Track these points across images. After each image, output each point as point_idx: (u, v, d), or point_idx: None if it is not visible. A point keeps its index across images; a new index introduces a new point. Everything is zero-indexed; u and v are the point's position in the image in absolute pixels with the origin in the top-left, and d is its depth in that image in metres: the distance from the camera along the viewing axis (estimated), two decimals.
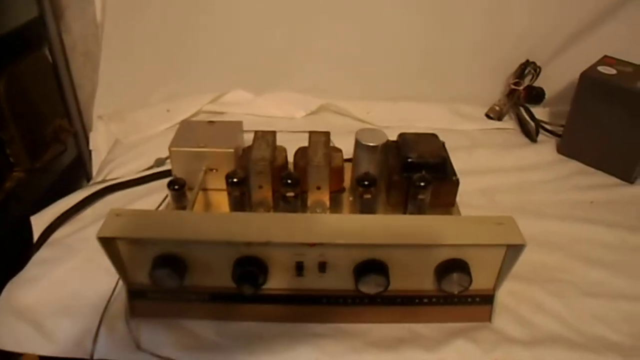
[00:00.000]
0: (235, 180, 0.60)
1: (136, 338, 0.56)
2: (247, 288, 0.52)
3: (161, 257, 0.52)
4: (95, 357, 0.55)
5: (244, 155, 0.69)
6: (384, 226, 0.53)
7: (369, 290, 0.53)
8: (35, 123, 1.06)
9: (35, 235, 0.69)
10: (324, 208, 0.67)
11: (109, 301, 0.59)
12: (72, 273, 0.62)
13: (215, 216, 0.53)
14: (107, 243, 0.50)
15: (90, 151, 1.01)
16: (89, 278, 0.62)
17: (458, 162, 0.69)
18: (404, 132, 0.72)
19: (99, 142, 0.95)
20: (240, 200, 0.63)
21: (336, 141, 0.85)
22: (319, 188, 0.66)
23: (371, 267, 0.52)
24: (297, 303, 0.57)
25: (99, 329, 0.56)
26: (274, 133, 0.70)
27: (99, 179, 0.81)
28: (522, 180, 0.82)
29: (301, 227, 0.52)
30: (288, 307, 0.57)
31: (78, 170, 1.16)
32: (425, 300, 0.57)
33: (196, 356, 0.54)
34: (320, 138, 0.69)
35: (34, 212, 0.95)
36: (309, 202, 0.67)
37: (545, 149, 0.89)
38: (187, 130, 0.72)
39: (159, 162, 0.79)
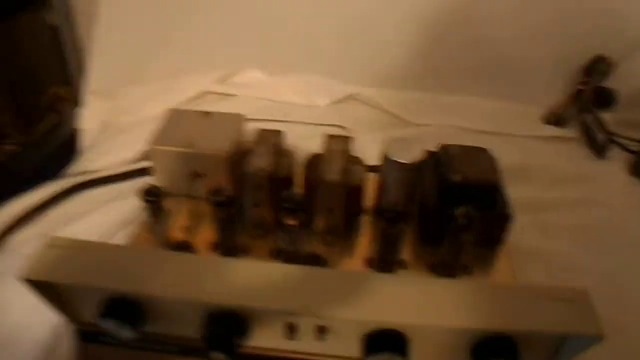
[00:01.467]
0: (219, 200, 0.47)
1: None
2: (218, 355, 0.39)
3: (111, 302, 0.39)
4: None
5: (239, 162, 0.55)
6: (406, 294, 0.38)
7: None
8: (30, 91, 0.96)
9: None
10: (335, 235, 0.54)
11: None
12: (17, 298, 0.51)
13: (180, 261, 0.40)
14: (37, 284, 0.38)
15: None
16: (35, 306, 0.50)
17: (507, 180, 0.54)
18: (446, 143, 0.57)
19: (90, 120, 0.82)
20: (229, 223, 0.49)
21: (363, 139, 0.71)
22: (331, 211, 0.53)
23: (386, 342, 0.39)
24: None
25: None
26: (280, 134, 0.56)
27: (78, 169, 0.69)
28: (585, 207, 0.66)
29: (294, 288, 0.38)
30: None
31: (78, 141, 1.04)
32: None
33: None
34: (339, 145, 0.55)
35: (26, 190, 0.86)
36: (318, 227, 0.54)
37: (615, 168, 0.73)
38: (175, 123, 0.59)
39: (147, 155, 0.66)
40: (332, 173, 0.51)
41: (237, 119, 0.60)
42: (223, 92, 0.84)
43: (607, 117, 0.79)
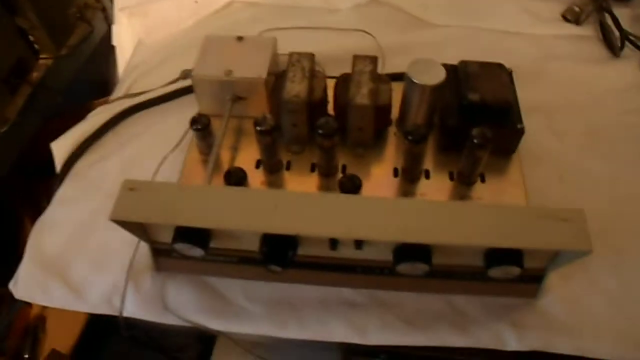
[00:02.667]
0: (263, 129, 0.53)
1: (163, 297, 0.54)
2: (275, 268, 0.47)
3: (183, 230, 0.47)
4: (124, 315, 0.55)
5: (276, 86, 0.60)
6: (429, 216, 0.45)
7: (408, 272, 0.48)
8: (57, 3, 0.97)
9: (57, 165, 0.65)
10: (365, 148, 0.60)
11: (134, 254, 0.56)
12: (96, 217, 0.59)
13: (240, 198, 0.46)
14: (122, 223, 0.46)
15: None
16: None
17: (524, 82, 0.59)
18: (465, 60, 0.60)
19: (122, 37, 0.85)
20: (272, 146, 0.56)
21: (384, 42, 0.74)
22: (361, 129, 0.58)
23: (412, 252, 0.47)
24: (330, 270, 0.53)
25: (126, 285, 0.55)
26: (311, 57, 0.60)
27: (121, 92, 0.74)
28: (597, 109, 0.70)
29: (334, 216, 0.45)
30: (320, 273, 0.53)
31: (109, 50, 1.07)
32: (469, 275, 0.52)
33: (223, 323, 0.53)
34: (366, 66, 0.59)
35: (64, 103, 0.92)
36: (349, 141, 0.60)
37: (629, 67, 0.75)
38: (211, 50, 0.62)
39: (186, 73, 0.71)
40: (361, 96, 0.56)
41: (269, 43, 0.63)
42: (248, 0, 0.85)
43: (624, 13, 0.79)
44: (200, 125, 0.56)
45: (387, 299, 0.54)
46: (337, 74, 0.71)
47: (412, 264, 0.46)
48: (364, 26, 0.80)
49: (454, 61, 0.73)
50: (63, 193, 0.63)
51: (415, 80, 0.55)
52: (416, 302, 0.54)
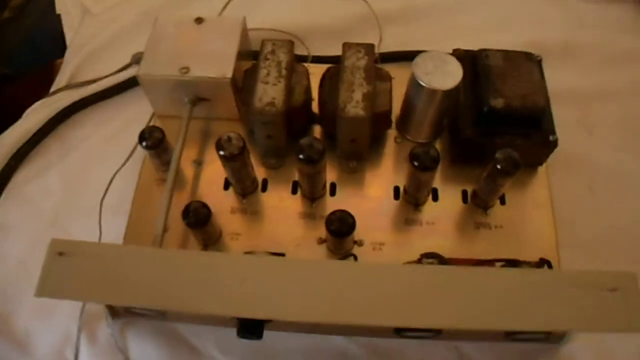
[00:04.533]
0: (229, 154, 0.41)
1: (123, 349, 0.45)
2: (250, 338, 0.38)
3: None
4: None
5: (245, 84, 0.48)
6: (438, 291, 0.34)
7: (413, 335, 0.39)
8: None
9: None
10: (359, 160, 0.49)
11: None
12: (38, 249, 0.49)
13: (198, 267, 0.35)
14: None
15: None
16: None
17: (548, 62, 0.48)
18: (485, 48, 0.48)
19: (67, 4, 0.70)
20: (242, 169, 0.45)
21: (380, 8, 0.63)
22: (354, 140, 0.47)
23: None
24: None
25: (79, 335, 0.46)
26: (290, 46, 0.48)
27: (63, 80, 0.61)
28: (635, 98, 0.58)
29: (316, 294, 0.34)
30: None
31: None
32: (484, 334, 0.43)
33: None
34: (360, 58, 0.47)
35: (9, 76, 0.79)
36: (340, 152, 0.49)
37: None
38: (164, 38, 0.49)
39: (137, 58, 0.58)
40: (354, 104, 0.44)
41: (236, 25, 0.50)
42: None
43: None
44: (151, 142, 0.45)
45: (386, 348, 0.46)
46: (322, 51, 0.59)
47: (418, 333, 0.37)
48: None
49: (468, 32, 0.62)
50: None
51: (423, 83, 0.43)
52: (419, 351, 0.45)
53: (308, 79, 0.48)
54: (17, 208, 0.52)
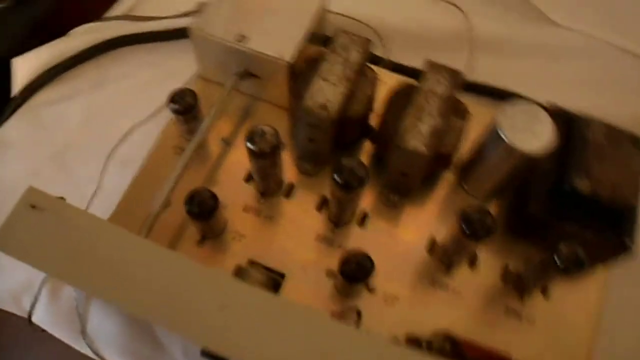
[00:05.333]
0: (258, 150, 0.35)
1: (83, 319, 0.41)
2: None
3: None
4: (34, 321, 0.42)
5: (303, 75, 0.41)
6: None
7: None
8: None
9: (15, 89, 0.50)
10: (402, 196, 0.42)
11: None
12: (33, 181, 0.45)
13: (174, 274, 0.29)
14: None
15: None
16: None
17: None
18: (588, 115, 0.40)
19: None
20: (269, 169, 0.39)
21: (477, 27, 0.56)
22: (405, 175, 0.40)
23: None
24: None
25: (41, 288, 0.42)
26: (365, 45, 0.41)
27: (120, 9, 0.56)
28: None
29: (301, 343, 0.29)
30: None
31: None
32: None
33: None
34: (440, 84, 0.40)
35: None
36: (384, 182, 0.42)
37: None
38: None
39: (201, 8, 0.52)
40: (417, 137, 0.37)
41: (313, 2, 0.44)
42: None
43: None
44: (180, 107, 0.40)
45: None
46: (401, 58, 0.52)
47: None
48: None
49: (568, 84, 0.53)
50: (3, 134, 0.48)
51: (505, 138, 0.36)
52: None
53: (374, 89, 0.42)
54: (27, 128, 0.48)
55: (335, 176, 0.35)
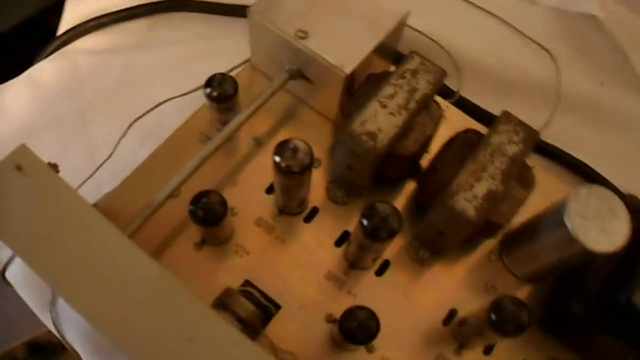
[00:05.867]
0: (287, 167, 0.31)
1: (54, 295, 0.37)
2: None
3: None
4: (7, 276, 0.39)
5: (359, 93, 0.36)
6: None
7: None
8: None
9: (61, 29, 0.47)
10: (433, 255, 0.37)
11: None
12: (43, 124, 0.42)
13: (146, 292, 0.25)
14: None
15: None
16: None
17: None
18: None
19: None
20: (295, 189, 0.34)
21: (568, 83, 0.50)
22: (441, 234, 0.35)
23: None
24: None
25: None
26: (440, 74, 0.36)
27: None
28: None
29: None
30: None
31: None
32: None
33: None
34: (514, 141, 0.34)
35: None
36: (417, 232, 0.37)
37: None
38: None
39: None
40: (468, 198, 0.32)
41: (393, 16, 0.38)
42: None
43: None
44: (216, 94, 0.35)
45: None
46: (473, 95, 0.47)
47: None
48: (550, 42, 0.52)
49: None
50: (35, 72, 0.45)
51: (569, 226, 0.30)
52: None
53: (436, 128, 0.36)
54: (60, 74, 0.45)
55: (364, 220, 0.30)
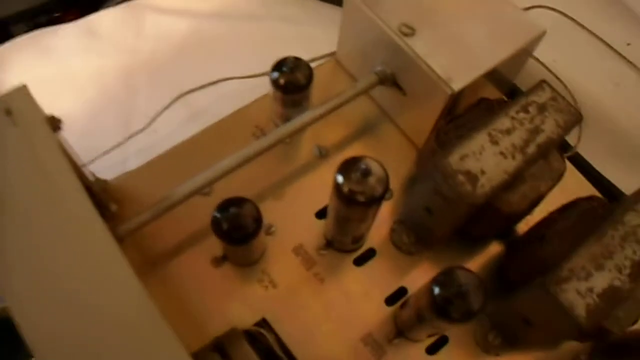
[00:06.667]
0: (345, 194, 0.23)
1: None
2: None
3: None
4: None
5: (460, 121, 0.28)
6: None
7: None
8: None
9: None
10: (498, 339, 0.28)
11: None
12: (86, 76, 0.36)
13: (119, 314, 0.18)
14: None
15: None
16: None
17: None
18: None
19: None
20: (349, 221, 0.26)
21: None
22: (529, 324, 0.26)
23: None
24: None
25: None
26: (576, 118, 0.27)
27: None
28: None
29: None
30: None
31: None
32: None
33: None
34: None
35: None
36: (496, 312, 0.28)
37: None
38: None
39: None
40: (584, 290, 0.23)
41: (528, 32, 0.30)
42: None
43: None
44: (286, 81, 0.28)
45: None
46: (596, 157, 0.37)
47: None
48: None
49: None
50: (96, 20, 0.40)
51: None
52: None
53: (552, 186, 0.27)
54: (121, 27, 0.40)
55: (436, 288, 0.22)
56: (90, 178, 0.28)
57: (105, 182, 0.29)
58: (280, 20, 0.41)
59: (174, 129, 0.33)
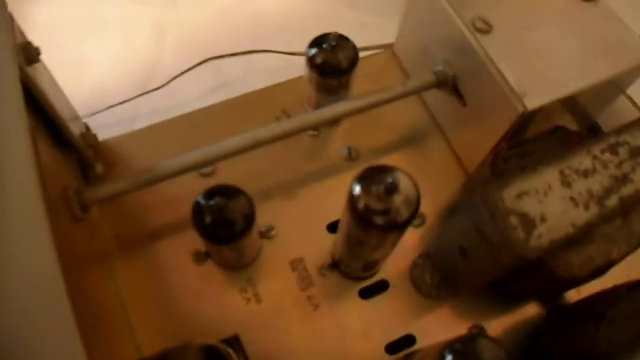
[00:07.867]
0: (362, 211, 0.18)
1: None
2: None
3: None
4: None
5: (526, 147, 0.22)
6: None
7: None
8: None
9: None
10: None
11: None
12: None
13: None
14: None
15: None
16: None
17: None
18: None
19: None
20: (367, 248, 0.21)
21: None
22: None
23: None
24: None
25: None
26: None
27: None
28: None
29: None
30: None
31: None
32: None
33: None
34: None
35: None
36: None
37: None
38: None
39: None
40: None
41: (634, 53, 0.24)
42: None
43: None
44: (323, 60, 0.23)
45: None
46: None
47: None
48: None
49: None
50: None
51: None
52: None
53: (627, 253, 0.21)
54: None
55: (448, 355, 0.16)
56: (79, 130, 0.24)
57: (95, 137, 0.25)
58: (344, 4, 0.36)
59: (194, 95, 0.29)
